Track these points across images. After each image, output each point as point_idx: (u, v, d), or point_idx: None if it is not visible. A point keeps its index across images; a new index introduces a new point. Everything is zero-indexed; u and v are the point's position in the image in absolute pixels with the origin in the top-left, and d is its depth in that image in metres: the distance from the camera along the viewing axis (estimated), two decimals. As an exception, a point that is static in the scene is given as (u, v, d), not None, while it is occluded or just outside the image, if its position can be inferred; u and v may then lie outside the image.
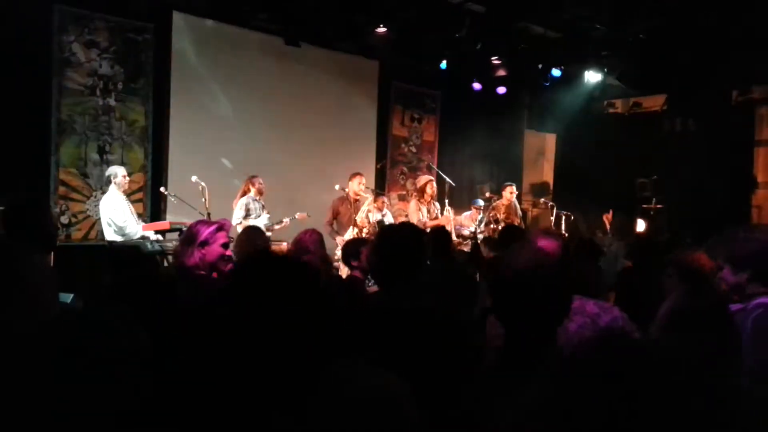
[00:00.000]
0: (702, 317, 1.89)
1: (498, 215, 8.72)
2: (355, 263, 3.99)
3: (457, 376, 1.83)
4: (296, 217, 7.31)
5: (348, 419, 1.32)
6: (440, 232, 5.28)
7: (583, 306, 2.13)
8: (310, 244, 4.04)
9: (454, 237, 8.18)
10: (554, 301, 1.66)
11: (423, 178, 8.13)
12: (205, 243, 3.05)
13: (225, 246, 3.11)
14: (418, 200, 7.96)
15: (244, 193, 7.15)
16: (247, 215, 6.99)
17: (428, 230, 6.29)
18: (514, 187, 9.05)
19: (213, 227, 3.13)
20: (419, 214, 7.78)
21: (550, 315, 1.66)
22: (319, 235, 4.17)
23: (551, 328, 1.66)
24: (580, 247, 4.73)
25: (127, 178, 6.62)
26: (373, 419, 1.32)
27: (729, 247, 2.35)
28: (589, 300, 2.19)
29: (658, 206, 10.31)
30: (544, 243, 2.41)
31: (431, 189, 7.85)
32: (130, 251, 5.87)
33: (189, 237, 3.12)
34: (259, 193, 7.16)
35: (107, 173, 6.57)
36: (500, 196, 9.19)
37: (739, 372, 1.84)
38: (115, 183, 6.42)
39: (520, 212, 9.11)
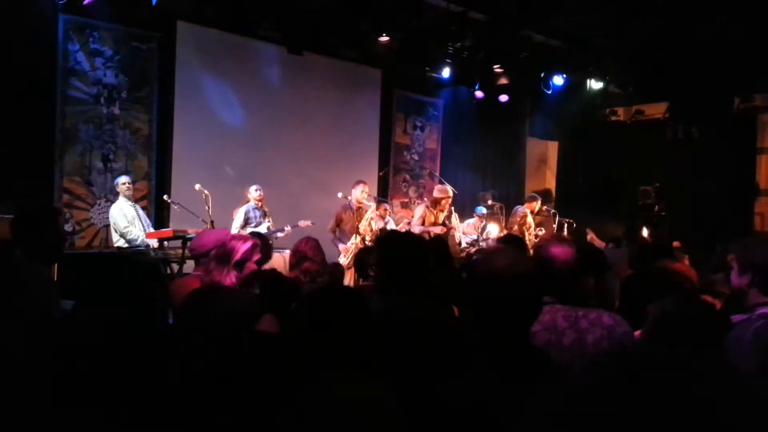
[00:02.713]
0: (690, 324, 1.90)
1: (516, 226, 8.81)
2: (372, 273, 3.94)
3: (457, 382, 1.84)
4: (299, 225, 7.32)
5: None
6: (440, 241, 5.28)
7: (599, 318, 2.13)
8: (308, 251, 4.00)
9: (463, 244, 8.18)
10: (526, 303, 1.70)
11: (439, 192, 8.00)
12: (242, 262, 2.94)
13: (259, 262, 3.02)
14: (427, 207, 7.96)
15: (246, 202, 7.21)
16: (246, 224, 7.03)
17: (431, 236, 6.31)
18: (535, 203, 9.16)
19: (249, 244, 3.00)
20: (420, 219, 7.81)
21: (522, 316, 1.69)
22: (315, 242, 4.15)
23: (522, 328, 1.70)
24: (588, 259, 4.70)
25: (128, 184, 6.68)
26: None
27: (740, 250, 2.36)
28: (604, 312, 2.19)
29: (661, 214, 10.30)
30: (557, 250, 2.38)
31: (443, 205, 7.79)
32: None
33: (223, 255, 2.95)
34: (258, 201, 7.20)
35: (115, 182, 6.78)
36: (502, 205, 9.26)
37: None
38: (118, 190, 6.64)
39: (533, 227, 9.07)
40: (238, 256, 2.94)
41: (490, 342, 1.68)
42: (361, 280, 4.20)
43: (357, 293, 2.06)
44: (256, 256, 3.02)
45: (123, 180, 6.68)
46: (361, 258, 4.15)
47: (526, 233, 8.73)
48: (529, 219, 8.99)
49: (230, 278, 2.92)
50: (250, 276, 2.95)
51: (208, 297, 2.85)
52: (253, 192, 7.21)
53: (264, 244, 4.22)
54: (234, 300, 2.72)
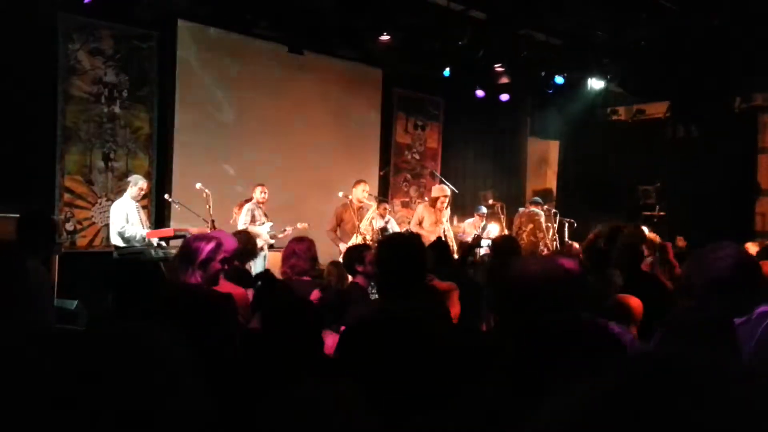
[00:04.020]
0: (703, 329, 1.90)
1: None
2: (360, 268, 3.97)
3: (454, 386, 1.84)
4: (298, 226, 7.33)
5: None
6: (441, 242, 5.32)
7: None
8: (297, 249, 4.16)
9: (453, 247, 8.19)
10: (562, 305, 1.69)
11: (436, 191, 8.03)
12: (207, 261, 2.96)
13: (223, 262, 3.04)
14: (426, 207, 7.97)
15: (249, 200, 7.23)
16: (253, 221, 7.07)
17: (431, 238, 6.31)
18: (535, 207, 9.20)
19: (213, 244, 3.00)
20: (418, 218, 7.84)
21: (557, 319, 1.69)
22: (308, 243, 4.27)
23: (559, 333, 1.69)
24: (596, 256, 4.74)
25: (143, 191, 6.66)
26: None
27: (704, 271, 2.22)
28: (609, 321, 2.19)
29: (661, 213, 10.30)
30: (566, 263, 2.39)
31: (440, 204, 7.83)
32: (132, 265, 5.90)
33: (188, 255, 2.98)
34: (261, 202, 7.22)
35: (128, 178, 6.71)
36: (503, 204, 9.30)
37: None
38: (128, 188, 6.57)
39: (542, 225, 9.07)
40: (202, 256, 2.95)
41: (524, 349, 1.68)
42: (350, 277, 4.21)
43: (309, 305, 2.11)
44: (220, 256, 3.03)
45: (141, 185, 6.60)
46: (348, 255, 4.16)
47: (538, 234, 8.78)
48: (542, 220, 9.02)
49: (195, 278, 2.95)
50: (215, 274, 3.00)
51: (180, 297, 2.87)
52: (258, 194, 7.24)
53: (251, 243, 4.34)
54: (199, 298, 2.75)
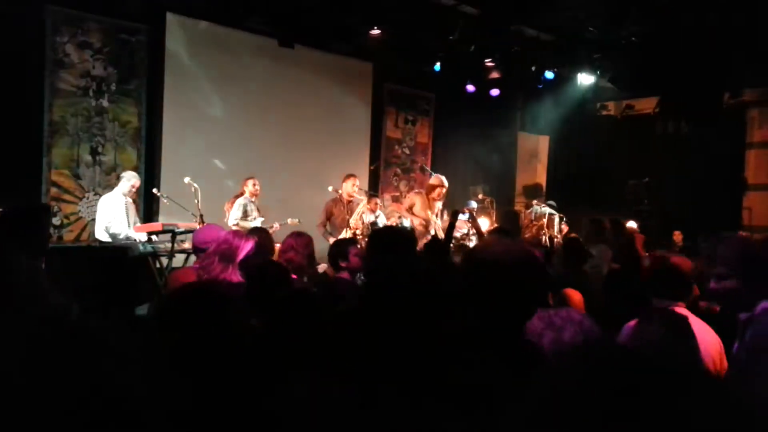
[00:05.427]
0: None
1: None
2: (343, 264, 3.96)
3: (446, 379, 1.84)
4: (288, 222, 7.29)
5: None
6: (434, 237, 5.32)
7: (569, 314, 2.15)
8: (294, 244, 4.08)
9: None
10: (526, 288, 1.70)
11: (437, 179, 8.00)
12: (247, 260, 2.97)
13: (262, 256, 3.09)
14: (418, 194, 7.98)
15: (240, 195, 7.18)
16: (245, 216, 7.02)
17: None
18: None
19: (252, 241, 3.01)
20: (409, 203, 7.85)
21: (521, 303, 1.70)
22: (307, 239, 4.21)
23: (521, 317, 1.71)
24: (567, 249, 4.75)
25: (135, 188, 6.54)
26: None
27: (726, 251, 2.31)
28: (569, 308, 2.20)
29: (650, 208, 10.36)
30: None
31: (436, 194, 7.83)
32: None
33: (227, 253, 2.96)
34: (253, 195, 7.18)
35: (122, 174, 6.61)
36: (493, 199, 9.32)
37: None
38: (121, 183, 6.46)
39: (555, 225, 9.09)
40: (242, 254, 2.96)
41: (486, 333, 1.69)
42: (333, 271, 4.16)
43: (308, 296, 2.11)
44: (255, 251, 3.05)
45: (134, 182, 6.49)
46: (331, 251, 4.12)
47: (549, 230, 8.81)
48: (556, 220, 9.01)
49: (236, 276, 2.93)
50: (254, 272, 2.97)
51: (202, 294, 2.85)
52: (251, 186, 7.19)
53: (267, 238, 4.27)
54: (229, 301, 2.72)
